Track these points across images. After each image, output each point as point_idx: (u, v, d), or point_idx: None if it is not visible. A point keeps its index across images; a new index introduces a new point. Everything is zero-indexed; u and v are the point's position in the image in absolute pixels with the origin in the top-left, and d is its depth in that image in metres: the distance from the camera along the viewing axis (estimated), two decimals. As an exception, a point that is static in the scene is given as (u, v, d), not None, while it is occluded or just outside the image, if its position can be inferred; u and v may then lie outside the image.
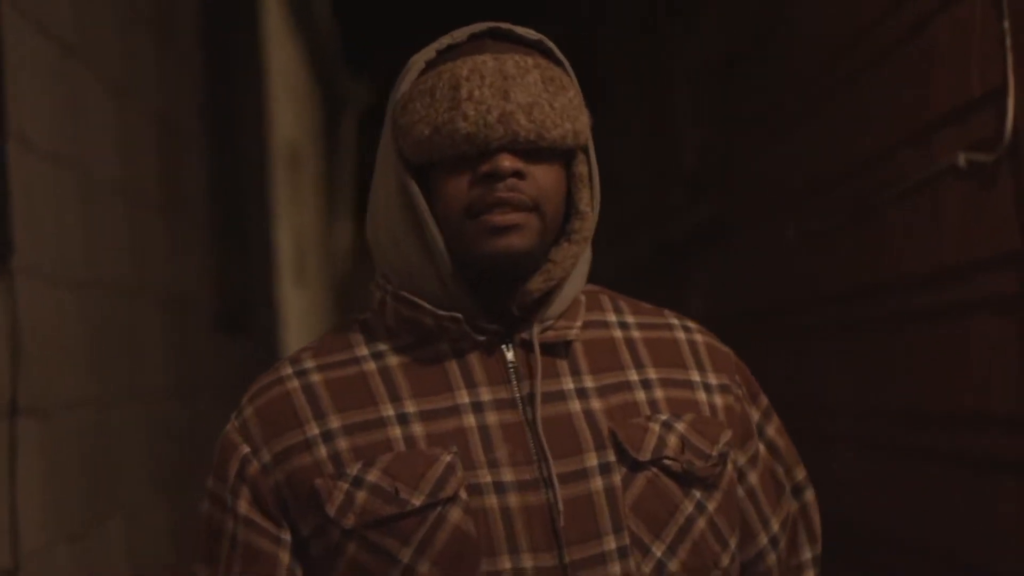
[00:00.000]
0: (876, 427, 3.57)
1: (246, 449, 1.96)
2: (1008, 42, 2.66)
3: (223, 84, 7.06)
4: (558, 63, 1.98)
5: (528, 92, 1.89)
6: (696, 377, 2.03)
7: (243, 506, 1.94)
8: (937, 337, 3.11)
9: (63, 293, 3.82)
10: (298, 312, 10.28)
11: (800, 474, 2.15)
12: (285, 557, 1.93)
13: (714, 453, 1.97)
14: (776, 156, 4.40)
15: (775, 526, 2.10)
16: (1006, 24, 2.67)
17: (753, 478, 2.08)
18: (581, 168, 1.97)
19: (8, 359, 3.31)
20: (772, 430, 2.13)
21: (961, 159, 2.81)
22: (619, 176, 7.55)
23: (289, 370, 1.99)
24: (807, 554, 2.15)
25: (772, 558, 2.10)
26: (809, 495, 2.16)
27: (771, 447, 2.13)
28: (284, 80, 10.29)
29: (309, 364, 1.99)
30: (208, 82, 6.53)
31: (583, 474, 1.90)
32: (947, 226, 3.00)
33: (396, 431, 1.90)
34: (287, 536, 1.93)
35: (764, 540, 2.09)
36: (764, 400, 2.13)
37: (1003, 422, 2.81)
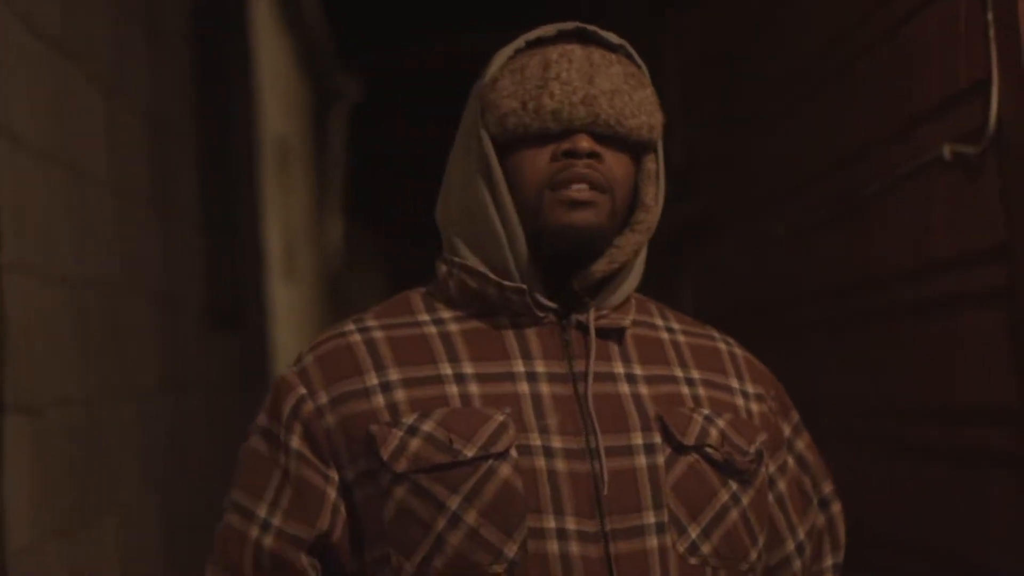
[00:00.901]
0: (866, 421, 3.58)
1: (303, 390, 2.04)
2: (992, 34, 2.67)
3: (213, 79, 7.06)
4: (637, 66, 2.10)
5: (611, 81, 2.02)
6: (735, 384, 2.14)
7: (296, 441, 2.02)
8: (926, 330, 3.11)
9: (52, 289, 3.82)
10: (288, 308, 10.27)
11: (827, 488, 2.24)
12: (332, 494, 2.01)
13: (751, 450, 2.06)
14: (765, 151, 4.41)
15: (801, 534, 2.19)
16: (990, 16, 2.67)
17: (782, 486, 2.17)
18: (650, 165, 2.10)
19: (-4, 356, 3.31)
20: (802, 444, 2.23)
21: (947, 151, 2.82)
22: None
23: (352, 327, 2.09)
24: (828, 561, 2.24)
25: (798, 564, 2.18)
26: (836, 507, 2.25)
27: (800, 461, 2.22)
28: (273, 75, 10.28)
29: (371, 323, 2.09)
30: (198, 78, 6.52)
31: (628, 450, 1.99)
32: (934, 219, 3.01)
33: (453, 388, 1.99)
34: (335, 475, 2.01)
35: (791, 546, 2.18)
36: (795, 416, 2.23)
37: (993, 414, 2.81)
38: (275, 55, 10.50)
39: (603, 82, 2.01)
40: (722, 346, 2.18)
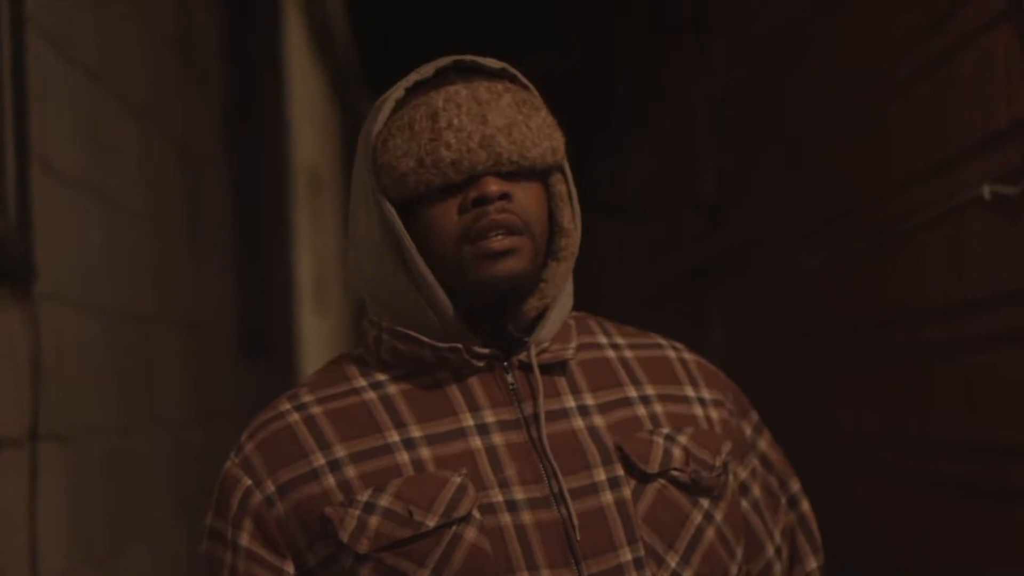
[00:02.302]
0: (896, 457, 3.56)
1: (248, 482, 1.97)
2: (1033, 74, 2.66)
3: (244, 109, 7.08)
4: (524, 87, 2.01)
5: (504, 115, 1.93)
6: (691, 392, 2.08)
7: (245, 538, 1.95)
8: (958, 369, 3.10)
9: (85, 318, 3.82)
10: (318, 337, 10.28)
11: (795, 485, 2.18)
12: None
13: (717, 464, 2.01)
14: (797, 184, 4.40)
15: (777, 537, 2.13)
16: (1031, 56, 2.66)
17: (756, 491, 2.12)
18: (560, 187, 2.01)
19: (29, 384, 3.31)
20: (764, 443, 2.17)
21: (986, 191, 2.80)
22: (638, 204, 7.55)
23: (288, 405, 2.01)
24: (812, 564, 2.17)
25: (778, 568, 2.13)
26: (805, 505, 2.19)
27: (764, 460, 2.16)
28: (305, 105, 10.31)
29: (307, 398, 2.00)
30: (230, 107, 6.54)
31: (593, 488, 1.93)
32: (971, 258, 2.99)
33: (404, 456, 1.91)
34: (290, 569, 1.93)
35: (771, 551, 2.12)
36: (755, 415, 2.17)
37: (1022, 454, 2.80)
38: (307, 84, 10.53)
39: (496, 118, 1.92)
40: (671, 353, 2.12)
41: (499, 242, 1.90)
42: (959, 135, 3.02)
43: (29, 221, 3.32)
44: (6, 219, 3.23)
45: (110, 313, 4.09)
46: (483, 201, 1.90)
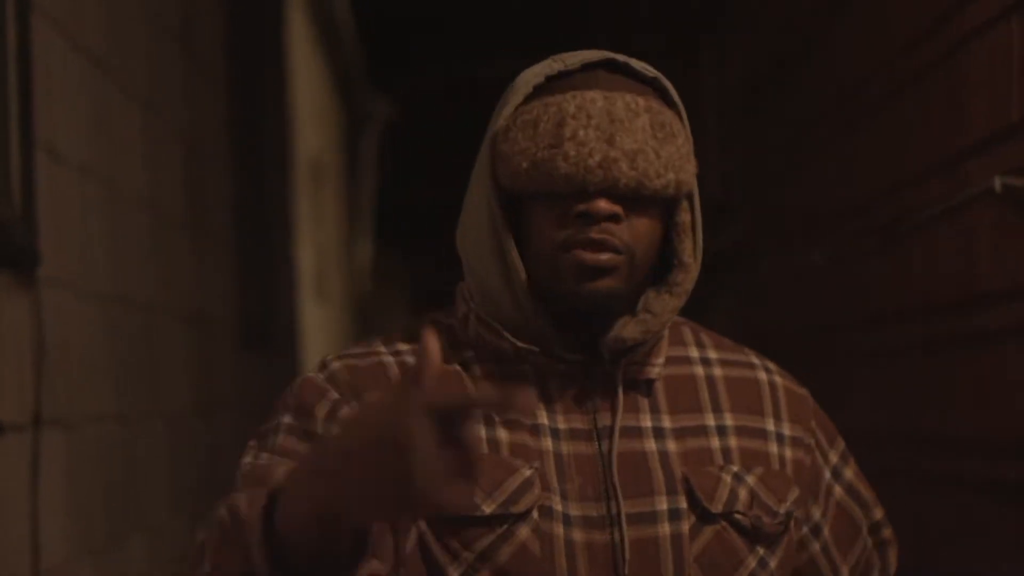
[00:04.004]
0: (908, 454, 3.55)
1: (335, 395, 1.91)
2: (1047, 66, 2.65)
3: (247, 100, 7.07)
4: (671, 104, 1.93)
5: (634, 138, 1.84)
6: (771, 427, 2.02)
7: None
8: (970, 363, 3.08)
9: (88, 306, 3.81)
10: (318, 330, 10.26)
11: (878, 514, 2.15)
12: None
13: (781, 511, 1.96)
14: (804, 181, 4.38)
15: (845, 572, 2.09)
16: (1046, 48, 2.65)
17: (827, 531, 2.08)
18: (684, 217, 1.94)
19: (32, 370, 3.30)
20: (850, 472, 2.13)
21: (997, 184, 2.79)
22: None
23: (382, 347, 1.97)
24: None
25: None
26: (887, 533, 2.16)
27: (850, 489, 2.12)
28: (308, 97, 10.29)
29: (403, 347, 1.96)
30: (233, 98, 6.53)
31: (652, 517, 1.88)
32: (981, 251, 2.98)
33: (481, 431, 1.88)
34: None
35: None
36: (841, 443, 2.12)
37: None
38: (310, 76, 10.52)
39: (625, 141, 1.82)
40: (762, 376, 2.06)
41: (593, 256, 1.84)
42: (970, 128, 3.01)
43: (33, 208, 3.31)
44: (10, 206, 3.22)
45: (113, 301, 4.08)
46: (589, 218, 1.83)
